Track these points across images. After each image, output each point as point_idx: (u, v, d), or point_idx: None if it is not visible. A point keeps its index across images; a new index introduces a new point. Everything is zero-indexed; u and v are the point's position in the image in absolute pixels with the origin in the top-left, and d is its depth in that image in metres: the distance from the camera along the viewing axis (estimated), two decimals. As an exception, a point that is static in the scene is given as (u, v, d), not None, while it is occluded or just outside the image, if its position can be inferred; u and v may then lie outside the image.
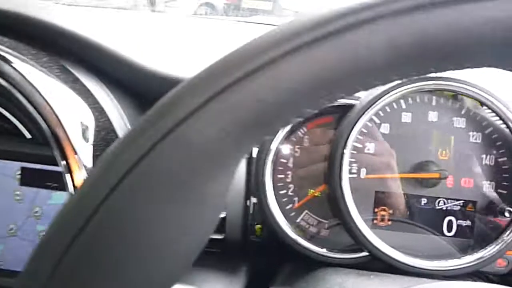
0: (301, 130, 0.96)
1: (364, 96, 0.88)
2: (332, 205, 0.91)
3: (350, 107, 0.90)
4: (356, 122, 0.86)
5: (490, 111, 0.88)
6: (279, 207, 0.95)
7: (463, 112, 0.89)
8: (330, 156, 0.88)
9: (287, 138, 0.95)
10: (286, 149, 0.96)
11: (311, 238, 0.95)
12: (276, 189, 0.94)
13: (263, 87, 0.26)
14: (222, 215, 0.99)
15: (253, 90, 0.26)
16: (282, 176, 0.96)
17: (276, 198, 0.95)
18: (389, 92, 0.86)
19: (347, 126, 0.87)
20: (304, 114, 0.29)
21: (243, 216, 0.98)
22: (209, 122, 0.26)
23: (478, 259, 0.85)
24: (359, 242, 0.87)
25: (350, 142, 0.87)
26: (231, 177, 0.30)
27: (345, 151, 0.86)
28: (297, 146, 0.96)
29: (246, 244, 1.01)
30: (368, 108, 0.86)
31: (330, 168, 0.87)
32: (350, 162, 0.89)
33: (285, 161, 0.96)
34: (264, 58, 0.26)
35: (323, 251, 0.91)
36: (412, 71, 0.27)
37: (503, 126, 0.88)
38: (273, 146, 0.91)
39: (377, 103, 0.86)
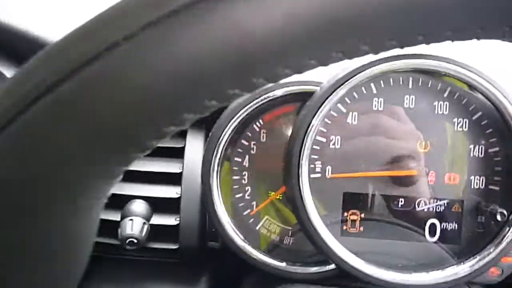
0: (257, 123, 0.82)
1: (326, 80, 0.74)
2: (293, 210, 0.77)
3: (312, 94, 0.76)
4: (317, 112, 0.72)
5: (478, 93, 0.73)
6: (235, 213, 0.82)
7: (445, 95, 0.75)
8: (287, 153, 0.74)
9: (240, 133, 0.81)
10: (240, 145, 0.82)
11: (273, 249, 0.82)
12: (229, 192, 0.81)
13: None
14: (175, 221, 0.87)
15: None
16: (237, 177, 0.83)
17: (231, 203, 0.82)
18: (356, 74, 0.72)
19: (306, 117, 0.73)
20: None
21: (199, 222, 0.85)
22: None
23: (467, 269, 0.72)
24: (323, 253, 0.73)
25: (311, 136, 0.72)
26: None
27: (304, 146, 0.72)
28: (253, 142, 0.83)
29: (205, 252, 0.89)
30: (330, 94, 0.72)
31: (286, 167, 0.74)
32: (312, 160, 0.76)
33: (239, 160, 0.83)
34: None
35: (282, 265, 0.78)
36: None
37: (494, 110, 0.73)
38: (222, 143, 0.77)
39: (341, 87, 0.72)
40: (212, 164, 0.76)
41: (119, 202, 0.84)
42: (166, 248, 0.88)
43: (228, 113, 0.77)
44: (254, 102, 0.76)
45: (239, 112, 0.76)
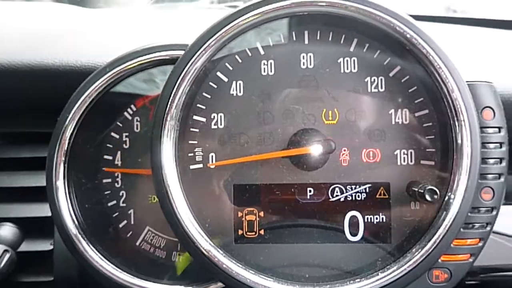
0: (129, 110, 0.65)
1: (192, 41, 0.57)
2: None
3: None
4: (180, 82, 0.55)
5: (394, 43, 0.56)
6: (104, 228, 0.63)
7: (352, 48, 0.58)
8: (149, 142, 0.56)
9: (105, 123, 0.64)
10: (107, 139, 0.65)
11: (158, 270, 0.63)
12: (87, 199, 0.63)
13: None
14: (49, 247, 0.69)
15: None
16: (109, 180, 0.65)
17: (98, 214, 0.64)
18: (227, 24, 0.55)
19: (166, 90, 0.55)
20: None
21: None
22: None
23: (396, 274, 0.53)
24: (204, 267, 0.55)
25: (174, 115, 0.55)
26: None
27: (166, 129, 0.55)
28: (125, 134, 0.65)
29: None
30: (194, 55, 0.55)
31: (151, 160, 0.56)
32: (190, 145, 0.58)
33: (109, 157, 0.65)
34: None
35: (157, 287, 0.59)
36: None
37: (416, 62, 0.56)
38: (67, 135, 0.59)
39: (210, 43, 0.55)
40: (55, 163, 0.59)
41: None
42: (39, 281, 0.69)
43: (76, 95, 0.60)
44: (110, 75, 0.60)
45: (82, 95, 0.59)
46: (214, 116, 0.59)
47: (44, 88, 0.70)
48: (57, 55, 0.70)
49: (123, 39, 0.83)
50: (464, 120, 0.52)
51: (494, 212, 0.55)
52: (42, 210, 0.70)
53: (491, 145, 0.55)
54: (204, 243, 0.55)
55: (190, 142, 0.58)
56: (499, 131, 0.56)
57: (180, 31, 0.89)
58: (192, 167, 0.58)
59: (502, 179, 0.55)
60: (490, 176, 0.54)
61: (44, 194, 0.70)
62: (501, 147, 0.55)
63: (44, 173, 0.69)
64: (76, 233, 0.59)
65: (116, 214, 0.64)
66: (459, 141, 0.53)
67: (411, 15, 0.56)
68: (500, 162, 0.55)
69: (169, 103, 0.54)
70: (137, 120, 0.65)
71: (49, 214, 0.69)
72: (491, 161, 0.54)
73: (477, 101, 0.55)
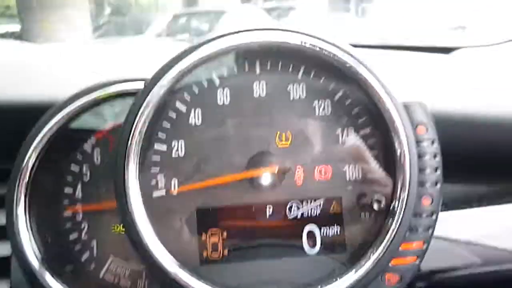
0: (88, 142, 0.67)
1: (152, 74, 0.60)
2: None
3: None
4: (142, 111, 0.58)
5: (336, 70, 0.62)
6: (66, 262, 0.63)
7: (299, 76, 0.63)
8: (112, 172, 0.58)
9: (64, 156, 0.65)
10: (67, 173, 0.66)
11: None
12: (52, 232, 0.63)
13: None
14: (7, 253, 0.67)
15: None
16: (69, 214, 0.65)
17: (60, 248, 0.64)
18: (183, 57, 0.59)
19: (128, 121, 0.58)
20: None
21: None
22: None
23: (352, 279, 0.57)
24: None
25: (136, 144, 0.57)
26: None
27: (128, 159, 0.57)
28: (86, 166, 0.66)
29: None
30: (154, 86, 0.58)
31: (115, 189, 0.57)
32: (152, 174, 0.60)
33: (69, 191, 0.66)
34: None
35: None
36: None
37: (356, 86, 0.62)
38: (28, 169, 0.60)
39: (168, 75, 0.58)
40: (15, 204, 0.59)
41: None
42: None
43: (32, 134, 0.61)
44: (64, 114, 0.61)
45: (42, 130, 0.60)
46: (174, 144, 0.62)
47: None
48: (8, 91, 0.70)
49: (74, 73, 0.84)
50: (401, 136, 0.59)
51: (434, 216, 0.62)
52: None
53: (427, 156, 0.61)
54: (171, 267, 0.56)
55: (151, 170, 0.60)
56: (432, 143, 0.63)
57: (131, 64, 0.92)
58: (155, 194, 0.60)
59: (438, 186, 0.62)
60: (428, 184, 0.61)
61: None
62: (435, 157, 0.62)
63: None
64: (39, 268, 0.58)
65: (78, 247, 0.64)
66: (399, 155, 0.59)
67: (350, 44, 0.63)
68: (436, 171, 0.62)
69: (132, 132, 0.57)
70: (97, 152, 0.66)
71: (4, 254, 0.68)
72: (428, 170, 0.61)
73: (411, 118, 0.61)
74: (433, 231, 0.62)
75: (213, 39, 0.60)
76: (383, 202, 0.57)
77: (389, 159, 0.61)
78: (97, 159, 0.66)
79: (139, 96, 0.58)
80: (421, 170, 0.60)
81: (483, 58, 1.11)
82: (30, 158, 0.59)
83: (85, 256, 0.64)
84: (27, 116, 0.63)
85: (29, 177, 0.59)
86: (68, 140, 0.64)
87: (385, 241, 0.57)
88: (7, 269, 0.68)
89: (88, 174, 0.66)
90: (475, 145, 0.81)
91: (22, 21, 6.58)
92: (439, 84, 0.89)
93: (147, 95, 0.58)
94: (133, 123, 0.57)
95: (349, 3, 11.38)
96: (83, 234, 0.65)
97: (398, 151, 0.59)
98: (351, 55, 0.60)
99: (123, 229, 0.65)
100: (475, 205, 0.87)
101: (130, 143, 0.57)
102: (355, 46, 0.62)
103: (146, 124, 0.58)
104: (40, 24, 6.43)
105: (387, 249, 0.57)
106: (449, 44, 1.16)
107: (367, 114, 0.63)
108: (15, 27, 6.72)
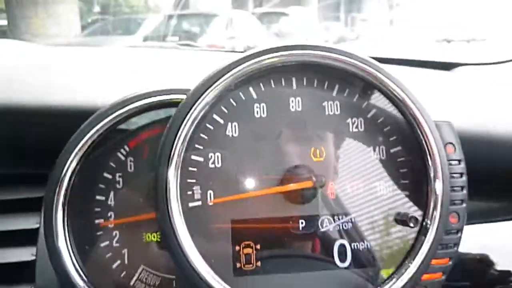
0: (122, 151, 0.67)
1: (193, 87, 0.61)
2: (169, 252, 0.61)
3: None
4: (183, 123, 0.59)
5: (370, 88, 0.64)
6: (98, 269, 0.63)
7: (334, 93, 0.65)
8: (153, 181, 0.58)
9: (98, 163, 0.65)
10: (100, 180, 0.66)
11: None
12: (83, 241, 0.63)
13: None
14: (30, 257, 0.67)
15: None
16: (101, 221, 0.65)
17: (92, 255, 0.64)
18: (226, 73, 0.60)
19: (171, 131, 0.59)
20: None
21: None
22: None
23: (385, 295, 0.59)
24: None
25: (178, 155, 0.58)
26: None
27: (170, 168, 0.58)
28: (119, 174, 0.67)
29: None
30: (197, 101, 0.59)
31: (155, 198, 0.58)
32: (189, 185, 0.61)
33: (101, 198, 0.66)
34: None
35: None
36: None
37: (389, 105, 0.64)
38: (67, 177, 0.60)
39: (210, 90, 0.59)
40: (54, 205, 0.59)
41: None
42: None
43: (73, 141, 0.61)
44: (106, 121, 0.61)
45: (85, 137, 0.60)
46: (211, 156, 0.62)
47: (33, 129, 0.69)
48: (50, 95, 0.70)
49: (111, 79, 0.85)
50: (435, 155, 0.61)
51: (460, 234, 0.64)
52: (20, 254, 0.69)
53: (455, 175, 0.64)
54: (207, 277, 0.57)
55: (188, 180, 0.61)
56: (459, 163, 0.65)
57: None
58: (191, 204, 0.61)
59: (464, 204, 0.64)
60: (456, 202, 0.63)
61: (24, 238, 0.69)
62: (461, 176, 0.65)
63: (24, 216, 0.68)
64: (74, 273, 0.58)
65: (110, 254, 0.65)
66: (432, 174, 0.61)
67: (375, 58, 0.65)
68: (462, 190, 0.64)
69: (175, 143, 0.57)
70: (130, 161, 0.66)
71: (30, 258, 0.68)
72: (456, 189, 0.63)
73: (441, 138, 0.64)
74: (458, 248, 0.64)
75: (254, 55, 0.61)
76: (415, 220, 0.59)
77: (420, 177, 0.63)
78: (130, 167, 0.66)
79: (181, 110, 0.59)
80: (451, 188, 0.62)
81: (484, 76, 1.14)
82: (71, 163, 0.59)
83: (116, 263, 0.64)
84: (62, 122, 0.63)
85: (68, 183, 0.59)
86: (103, 148, 0.64)
87: (417, 257, 0.59)
88: (32, 274, 0.68)
89: (121, 182, 0.66)
90: (484, 163, 0.84)
91: (9, 16, 6.47)
92: (442, 101, 0.91)
93: (190, 109, 0.59)
94: (176, 134, 0.58)
95: (339, 12, 11.53)
96: (114, 241, 0.65)
97: (432, 170, 0.61)
98: (386, 75, 0.62)
99: (154, 238, 0.66)
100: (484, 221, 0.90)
101: (172, 155, 0.58)
102: (379, 60, 0.64)
103: (188, 136, 0.59)
104: (28, 20, 6.33)
105: (420, 265, 0.58)
106: (449, 59, 1.18)
107: (398, 132, 0.65)
108: (2, 22, 6.60)
